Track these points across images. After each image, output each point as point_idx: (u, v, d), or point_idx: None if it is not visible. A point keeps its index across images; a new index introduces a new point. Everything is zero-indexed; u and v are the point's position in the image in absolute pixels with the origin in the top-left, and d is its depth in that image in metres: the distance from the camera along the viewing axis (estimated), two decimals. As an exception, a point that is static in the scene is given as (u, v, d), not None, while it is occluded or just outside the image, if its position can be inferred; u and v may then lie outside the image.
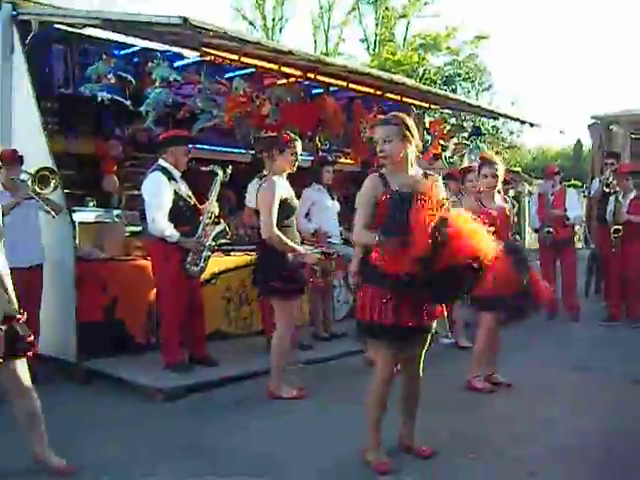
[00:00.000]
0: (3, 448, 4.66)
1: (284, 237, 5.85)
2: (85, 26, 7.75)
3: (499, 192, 6.29)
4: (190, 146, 7.14)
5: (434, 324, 4.53)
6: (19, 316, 4.15)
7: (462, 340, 8.26)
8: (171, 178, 6.62)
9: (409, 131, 4.36)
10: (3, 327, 4.03)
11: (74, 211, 7.37)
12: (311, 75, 8.93)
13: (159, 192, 6.57)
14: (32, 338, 4.21)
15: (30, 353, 4.20)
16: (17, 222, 6.23)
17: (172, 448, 4.85)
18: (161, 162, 6.74)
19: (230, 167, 7.08)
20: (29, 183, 6.30)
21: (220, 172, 6.88)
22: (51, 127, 8.74)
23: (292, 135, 6.25)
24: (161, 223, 6.46)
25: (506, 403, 6.05)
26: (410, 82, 11.42)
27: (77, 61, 9.27)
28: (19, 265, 5.92)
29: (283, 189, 6.01)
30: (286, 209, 6.01)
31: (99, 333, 6.90)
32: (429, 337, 4.55)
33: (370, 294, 4.28)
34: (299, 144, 6.18)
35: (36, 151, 6.86)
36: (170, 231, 6.48)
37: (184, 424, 5.38)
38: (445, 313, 4.96)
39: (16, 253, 6.19)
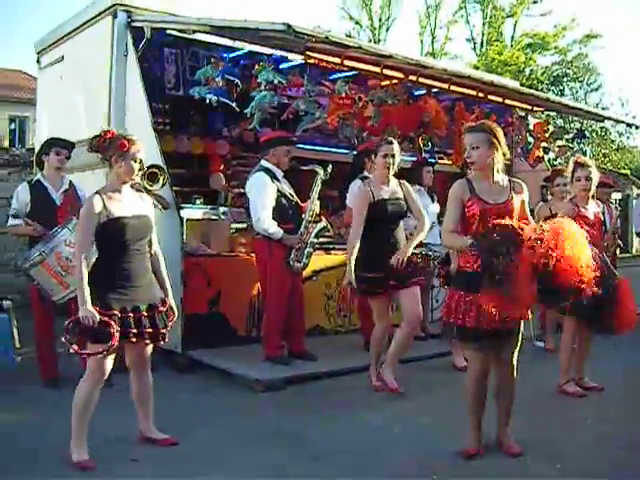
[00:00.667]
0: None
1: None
2: (195, 32, 8.08)
3: (593, 197, 6.27)
4: (288, 147, 7.29)
5: (522, 326, 4.58)
6: (160, 306, 4.56)
7: (550, 343, 8.24)
8: (274, 178, 6.85)
9: (496, 139, 4.43)
10: (145, 313, 4.45)
11: (182, 208, 7.68)
12: (413, 78, 9.00)
13: (263, 191, 6.81)
14: (166, 330, 4.61)
15: (161, 342, 4.62)
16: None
17: (265, 435, 5.07)
18: (263, 163, 6.99)
19: (330, 166, 7.25)
20: (139, 179, 6.64)
21: (320, 171, 7.05)
22: (162, 127, 9.15)
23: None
24: (265, 221, 6.71)
25: (593, 407, 5.99)
26: (511, 84, 11.37)
27: (187, 64, 9.64)
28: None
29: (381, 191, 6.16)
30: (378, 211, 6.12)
31: (203, 325, 7.19)
32: (518, 339, 4.60)
33: (456, 297, 4.44)
34: (394, 146, 6.22)
35: (148, 150, 7.17)
36: (274, 229, 6.72)
37: (280, 414, 5.58)
38: (532, 316, 4.98)
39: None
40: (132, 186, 4.67)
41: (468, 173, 4.81)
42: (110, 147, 4.43)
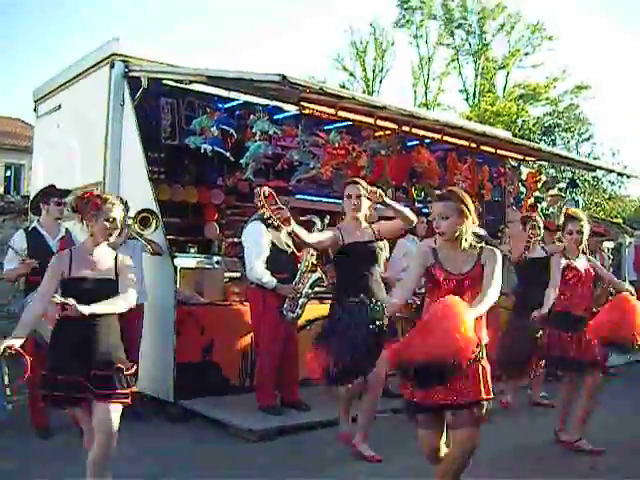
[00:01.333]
0: None
1: None
2: (191, 82, 8.19)
3: (584, 252, 6.23)
4: (286, 198, 7.34)
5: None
6: (120, 365, 4.23)
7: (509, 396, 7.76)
8: (270, 227, 6.88)
9: (467, 207, 4.23)
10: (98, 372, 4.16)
11: (176, 256, 7.70)
12: (406, 128, 9.12)
13: (258, 241, 6.84)
14: (128, 391, 4.23)
15: (121, 405, 4.22)
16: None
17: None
18: (260, 212, 7.02)
19: (328, 217, 7.30)
20: (131, 224, 6.71)
21: (318, 221, 7.07)
22: (157, 176, 9.22)
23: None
24: (259, 270, 6.73)
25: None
26: (503, 135, 11.50)
27: (183, 114, 9.74)
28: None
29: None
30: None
31: (196, 374, 7.17)
32: (476, 417, 4.00)
33: None
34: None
35: (143, 198, 7.25)
36: (267, 278, 6.74)
37: (273, 464, 5.54)
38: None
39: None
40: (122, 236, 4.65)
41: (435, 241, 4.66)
42: (86, 207, 4.36)
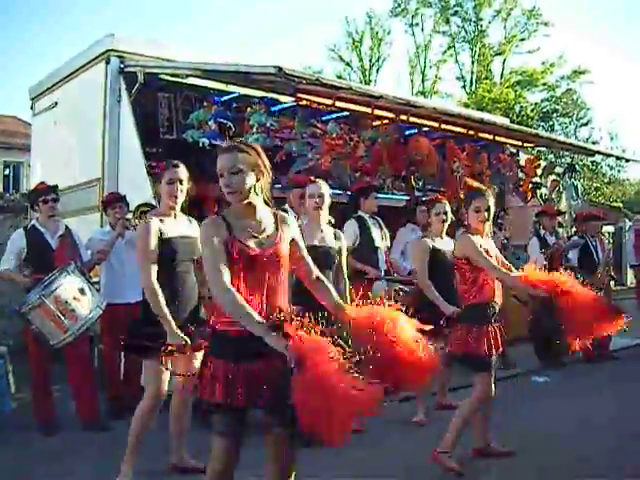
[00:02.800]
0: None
1: None
2: (187, 76, 8.18)
3: (487, 235, 5.28)
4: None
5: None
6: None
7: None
8: None
9: (262, 161, 3.41)
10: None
11: (177, 251, 7.70)
12: (404, 117, 9.10)
13: None
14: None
15: None
16: (125, 260, 6.71)
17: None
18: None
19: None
20: (131, 218, 6.71)
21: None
22: (156, 171, 9.19)
23: None
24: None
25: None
26: (499, 121, 11.49)
27: (180, 108, 9.71)
28: (128, 300, 6.37)
29: None
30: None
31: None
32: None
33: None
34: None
35: (142, 193, 7.25)
36: None
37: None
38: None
39: (125, 289, 6.64)
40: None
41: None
42: None
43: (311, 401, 2.79)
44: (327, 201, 5.64)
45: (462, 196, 5.31)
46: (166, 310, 4.55)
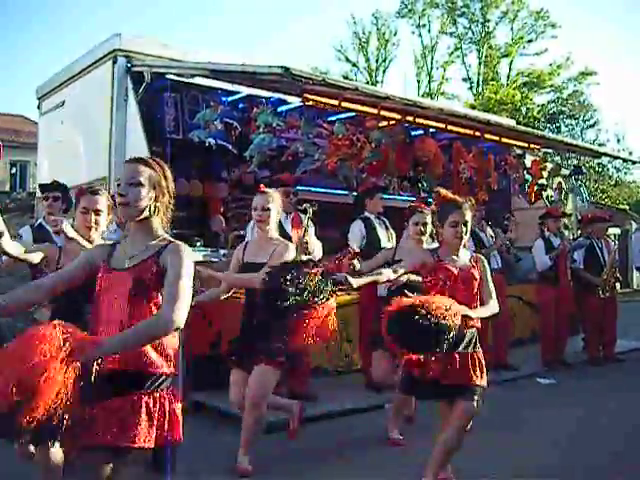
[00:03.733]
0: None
1: None
2: (194, 76, 8.20)
3: (465, 246, 4.73)
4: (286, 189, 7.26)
5: None
6: None
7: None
8: None
9: (166, 182, 3.17)
10: None
11: (182, 250, 7.70)
12: (410, 118, 9.10)
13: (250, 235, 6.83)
14: None
15: None
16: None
17: (268, 477, 5.11)
18: None
19: (315, 204, 7.18)
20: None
21: (309, 209, 7.02)
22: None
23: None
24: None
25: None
26: (506, 123, 11.48)
27: (186, 108, 9.73)
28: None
29: None
30: None
31: (205, 367, 7.18)
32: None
33: None
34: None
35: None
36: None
37: (284, 455, 5.57)
38: None
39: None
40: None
41: None
42: None
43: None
44: (275, 214, 5.27)
45: (435, 209, 4.75)
46: None
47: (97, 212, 4.41)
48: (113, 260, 3.10)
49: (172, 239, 3.15)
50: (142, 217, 3.09)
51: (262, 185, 5.61)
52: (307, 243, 6.76)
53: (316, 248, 6.94)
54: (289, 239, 6.81)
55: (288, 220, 6.97)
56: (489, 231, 9.15)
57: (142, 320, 2.88)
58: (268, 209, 5.19)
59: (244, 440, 5.18)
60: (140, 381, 2.93)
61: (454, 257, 4.58)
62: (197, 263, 8.09)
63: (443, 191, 4.80)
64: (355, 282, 4.46)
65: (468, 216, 4.57)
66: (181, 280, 2.98)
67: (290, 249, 5.24)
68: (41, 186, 6.53)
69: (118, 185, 3.08)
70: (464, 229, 4.53)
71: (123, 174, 3.07)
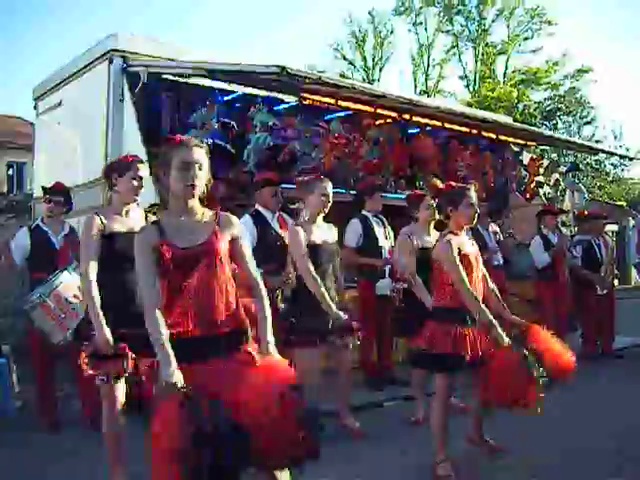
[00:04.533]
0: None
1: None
2: (190, 76, 8.19)
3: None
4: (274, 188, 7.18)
5: None
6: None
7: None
8: (260, 218, 6.83)
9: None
10: None
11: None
12: (406, 116, 9.11)
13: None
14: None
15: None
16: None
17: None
18: (256, 205, 7.03)
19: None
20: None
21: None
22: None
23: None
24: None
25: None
26: (503, 120, 11.49)
27: (183, 107, 9.71)
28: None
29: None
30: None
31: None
32: None
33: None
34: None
35: (144, 193, 7.24)
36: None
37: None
38: None
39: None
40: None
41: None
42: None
43: None
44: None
45: (438, 198, 5.16)
46: None
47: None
48: (175, 239, 3.25)
49: (216, 210, 3.44)
50: (197, 196, 3.33)
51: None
52: None
53: None
54: (276, 238, 6.78)
55: (274, 218, 6.92)
56: (493, 227, 9.10)
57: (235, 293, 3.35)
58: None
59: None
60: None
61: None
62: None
63: (436, 181, 5.73)
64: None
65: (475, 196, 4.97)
66: (249, 248, 3.51)
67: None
68: (45, 189, 6.52)
69: (185, 168, 3.28)
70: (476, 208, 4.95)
71: (194, 157, 3.30)
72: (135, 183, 4.70)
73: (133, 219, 4.66)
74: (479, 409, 5.25)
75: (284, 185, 7.22)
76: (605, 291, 9.55)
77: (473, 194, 4.95)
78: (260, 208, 6.96)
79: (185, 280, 3.19)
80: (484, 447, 5.29)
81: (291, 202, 7.14)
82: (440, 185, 5.30)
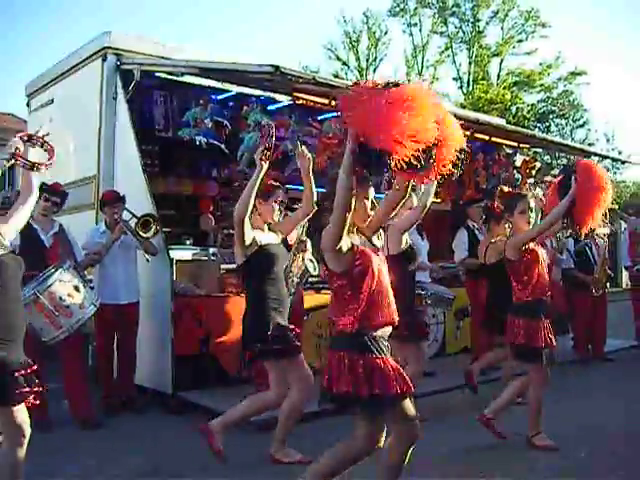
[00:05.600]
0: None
1: None
2: (184, 74, 8.16)
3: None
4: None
5: None
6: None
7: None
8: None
9: None
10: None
11: (172, 249, 7.69)
12: (399, 117, 9.09)
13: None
14: (29, 389, 3.87)
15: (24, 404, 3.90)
16: (118, 262, 6.73)
17: (258, 475, 5.11)
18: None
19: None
20: (132, 225, 6.71)
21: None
22: (151, 169, 9.18)
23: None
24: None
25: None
26: (495, 122, 11.49)
27: (176, 106, 9.69)
28: (118, 302, 6.43)
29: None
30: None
31: (194, 366, 7.16)
32: None
33: None
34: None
35: (137, 192, 7.24)
36: None
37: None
38: None
39: (117, 290, 6.67)
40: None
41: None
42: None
43: None
44: None
45: (500, 204, 5.94)
46: None
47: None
48: None
49: None
50: None
51: None
52: (304, 242, 6.78)
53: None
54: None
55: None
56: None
57: None
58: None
59: None
60: None
61: None
62: (187, 262, 8.11)
63: (504, 188, 6.07)
64: None
65: (532, 203, 5.63)
66: None
67: None
68: (43, 188, 6.46)
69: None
70: (531, 214, 5.57)
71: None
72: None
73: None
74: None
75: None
76: (600, 292, 9.57)
77: (525, 203, 5.61)
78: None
79: None
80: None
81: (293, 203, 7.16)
82: (510, 191, 6.02)
